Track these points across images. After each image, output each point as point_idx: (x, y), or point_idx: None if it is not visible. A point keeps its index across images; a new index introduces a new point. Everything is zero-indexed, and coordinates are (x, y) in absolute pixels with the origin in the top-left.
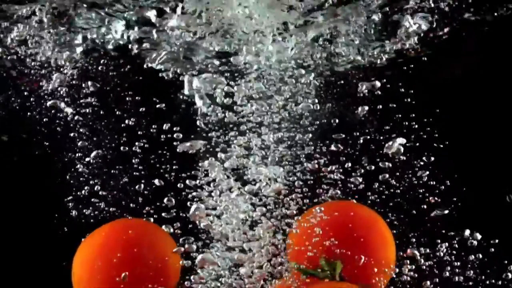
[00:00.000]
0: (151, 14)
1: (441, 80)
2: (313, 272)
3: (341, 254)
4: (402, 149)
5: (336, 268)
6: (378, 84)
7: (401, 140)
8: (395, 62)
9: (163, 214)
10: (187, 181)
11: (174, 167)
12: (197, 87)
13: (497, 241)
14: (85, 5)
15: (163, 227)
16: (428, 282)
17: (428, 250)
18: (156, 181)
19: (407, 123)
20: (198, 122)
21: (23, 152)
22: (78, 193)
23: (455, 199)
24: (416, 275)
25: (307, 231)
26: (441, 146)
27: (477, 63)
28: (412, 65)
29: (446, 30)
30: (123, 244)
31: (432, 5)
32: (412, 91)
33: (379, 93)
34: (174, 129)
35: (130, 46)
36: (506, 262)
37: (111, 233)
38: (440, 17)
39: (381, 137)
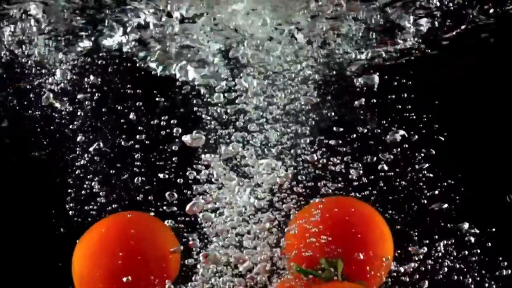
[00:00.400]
0: (150, 16)
1: (444, 79)
2: (314, 273)
3: (339, 251)
4: (399, 138)
5: (337, 267)
6: (376, 78)
7: (401, 132)
8: (396, 62)
9: (164, 208)
10: (187, 176)
11: (173, 162)
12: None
13: (494, 229)
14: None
15: (166, 222)
16: (427, 279)
17: (426, 246)
18: (157, 177)
19: (407, 121)
20: (197, 113)
21: (22, 151)
22: (78, 191)
23: (453, 195)
24: (414, 271)
25: (304, 230)
26: (442, 142)
27: (479, 62)
28: (414, 64)
29: (449, 30)
30: (123, 236)
31: (437, 4)
32: (413, 90)
33: (380, 90)
34: (172, 122)
35: (128, 46)
36: (501, 258)
37: (111, 226)
38: (443, 17)
39: (381, 134)
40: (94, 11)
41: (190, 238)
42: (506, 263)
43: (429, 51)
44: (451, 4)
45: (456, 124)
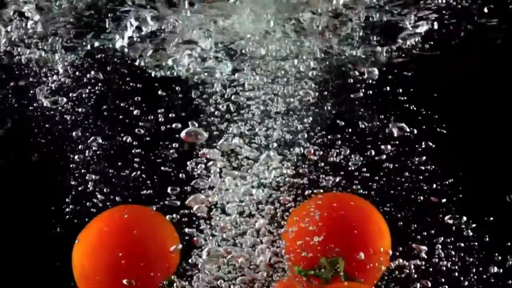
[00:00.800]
0: (149, 16)
1: (446, 78)
2: (316, 273)
3: (338, 248)
4: (397, 132)
5: (339, 266)
6: (376, 72)
7: (399, 125)
8: (398, 60)
9: (165, 203)
10: (187, 170)
11: (173, 157)
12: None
13: (493, 226)
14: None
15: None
16: (425, 275)
17: (425, 242)
18: (157, 173)
19: (407, 118)
20: (197, 108)
21: (20, 150)
22: (78, 189)
23: (453, 192)
24: (413, 267)
25: (302, 227)
26: (442, 139)
27: (482, 61)
28: (416, 63)
29: (452, 29)
30: (122, 230)
31: (440, 3)
32: (414, 88)
33: (381, 88)
34: (171, 116)
35: (126, 46)
36: (497, 254)
37: (110, 220)
38: (446, 16)
39: (380, 130)
40: (91, 12)
41: (195, 234)
42: (500, 258)
43: (431, 50)
44: (454, 4)
45: (457, 122)
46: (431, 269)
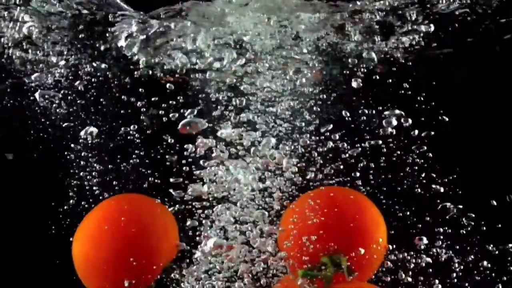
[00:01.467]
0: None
1: (448, 78)
2: (320, 274)
3: (334, 242)
4: (395, 122)
5: (341, 263)
6: (374, 55)
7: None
8: (403, 59)
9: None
10: (187, 162)
11: (173, 150)
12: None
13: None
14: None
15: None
16: (423, 270)
17: (423, 235)
18: (157, 165)
19: (408, 115)
20: (195, 99)
21: (19, 149)
22: (78, 187)
23: (451, 186)
24: (410, 262)
25: (297, 226)
26: (442, 137)
27: (486, 61)
28: (419, 62)
29: (455, 29)
30: (123, 216)
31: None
32: (417, 86)
33: (383, 86)
34: (170, 108)
35: (124, 45)
36: (495, 248)
37: (110, 208)
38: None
39: (377, 128)
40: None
41: (203, 230)
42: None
43: (435, 48)
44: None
45: (459, 118)
46: (429, 262)
